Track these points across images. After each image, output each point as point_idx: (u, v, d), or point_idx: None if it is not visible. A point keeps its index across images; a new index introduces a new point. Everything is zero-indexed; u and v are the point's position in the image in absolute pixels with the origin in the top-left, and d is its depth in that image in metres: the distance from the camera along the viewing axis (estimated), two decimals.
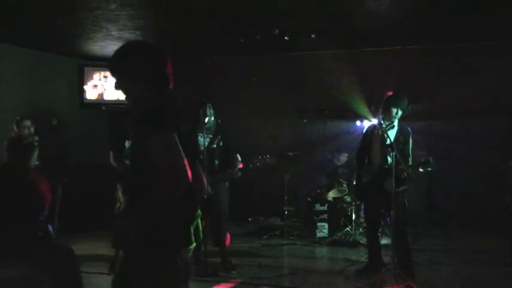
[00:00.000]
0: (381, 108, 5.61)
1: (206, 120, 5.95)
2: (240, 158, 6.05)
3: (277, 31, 7.91)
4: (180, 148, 2.31)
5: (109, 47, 9.12)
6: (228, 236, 6.31)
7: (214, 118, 6.13)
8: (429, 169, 5.28)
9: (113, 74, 2.51)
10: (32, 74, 9.40)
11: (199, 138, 5.99)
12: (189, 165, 2.33)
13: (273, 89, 10.04)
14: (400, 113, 5.48)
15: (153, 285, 2.39)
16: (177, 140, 2.31)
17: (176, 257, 2.44)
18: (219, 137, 6.09)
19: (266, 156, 5.92)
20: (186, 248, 2.53)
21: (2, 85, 8.80)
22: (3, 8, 6.78)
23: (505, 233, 6.67)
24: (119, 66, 2.50)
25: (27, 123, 6.77)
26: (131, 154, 2.42)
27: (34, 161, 6.64)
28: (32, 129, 6.80)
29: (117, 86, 2.53)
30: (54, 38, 8.63)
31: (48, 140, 7.77)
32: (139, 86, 2.48)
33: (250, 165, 6.03)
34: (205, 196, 5.75)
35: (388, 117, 5.48)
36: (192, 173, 2.39)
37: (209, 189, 5.85)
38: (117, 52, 2.53)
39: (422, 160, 5.35)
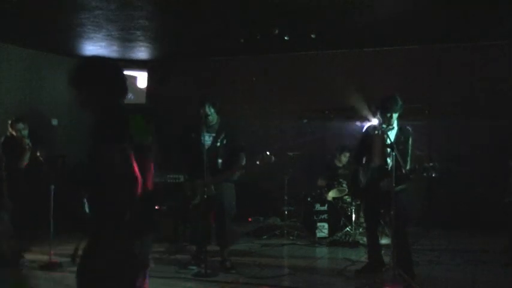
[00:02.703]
0: (378, 110, 5.61)
1: (208, 119, 5.93)
2: (244, 159, 6.01)
3: (277, 31, 7.91)
4: (127, 158, 2.42)
5: (109, 47, 9.13)
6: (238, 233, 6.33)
7: (218, 116, 6.10)
8: (433, 175, 5.27)
9: (75, 90, 2.65)
10: (32, 74, 9.40)
11: (201, 138, 5.98)
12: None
13: (273, 89, 10.04)
14: (394, 116, 5.48)
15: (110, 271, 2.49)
16: (123, 149, 2.42)
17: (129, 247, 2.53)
18: (223, 135, 6.05)
19: (267, 154, 5.88)
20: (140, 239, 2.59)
21: (2, 85, 8.80)
22: (3, 8, 6.78)
23: (505, 233, 6.68)
24: (77, 80, 2.65)
25: (20, 126, 6.81)
26: (87, 162, 2.53)
27: (25, 161, 6.72)
28: (25, 132, 6.83)
29: (79, 103, 2.67)
30: (54, 38, 8.63)
31: (48, 140, 7.81)
32: (97, 97, 2.62)
33: (243, 170, 5.97)
34: (206, 196, 5.78)
35: (384, 119, 5.49)
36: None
37: (212, 189, 5.84)
38: (74, 69, 2.67)
39: (427, 165, 5.33)
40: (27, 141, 6.70)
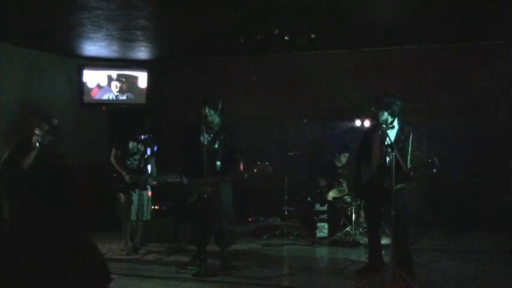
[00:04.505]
0: (376, 109, 5.62)
1: (208, 119, 5.92)
2: (241, 163, 5.97)
3: (277, 31, 7.91)
4: None
5: (109, 47, 9.13)
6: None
7: (220, 118, 6.08)
8: (434, 171, 5.25)
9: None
10: (32, 74, 9.39)
11: (200, 138, 5.97)
12: None
13: (273, 89, 10.04)
14: (390, 115, 5.46)
15: None
16: None
17: None
18: (222, 137, 6.02)
19: (265, 163, 5.85)
20: None
21: (2, 85, 8.80)
22: (3, 8, 6.78)
23: (505, 233, 6.68)
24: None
25: (44, 127, 6.87)
26: None
27: (29, 160, 6.76)
28: (42, 133, 6.90)
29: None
30: (54, 38, 8.63)
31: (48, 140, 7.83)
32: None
33: (246, 175, 5.94)
34: (206, 196, 5.78)
35: (381, 118, 5.49)
36: None
37: (209, 190, 5.83)
38: None
39: (428, 161, 5.33)
40: (37, 138, 6.72)
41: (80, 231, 2.09)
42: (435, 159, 5.26)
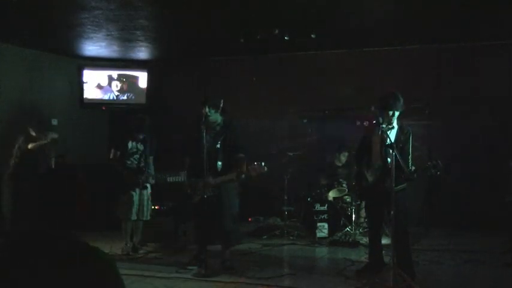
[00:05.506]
0: (378, 109, 5.61)
1: (208, 119, 5.91)
2: (244, 162, 5.94)
3: (277, 31, 7.91)
4: None
5: (109, 47, 9.13)
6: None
7: (222, 118, 6.07)
8: (438, 173, 5.24)
9: None
10: (32, 74, 9.40)
11: (202, 137, 5.96)
12: None
13: (273, 89, 10.04)
14: (396, 113, 5.46)
15: None
16: None
17: None
18: (223, 137, 6.02)
19: (260, 164, 5.82)
20: None
21: (2, 85, 8.80)
22: (3, 8, 6.78)
23: (505, 233, 6.67)
24: None
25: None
26: None
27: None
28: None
29: None
30: (54, 38, 8.63)
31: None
32: None
33: (244, 175, 5.92)
34: (206, 196, 5.78)
35: (385, 118, 5.47)
36: None
37: (210, 190, 5.82)
38: None
39: (430, 163, 5.32)
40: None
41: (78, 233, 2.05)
42: (439, 161, 5.26)
